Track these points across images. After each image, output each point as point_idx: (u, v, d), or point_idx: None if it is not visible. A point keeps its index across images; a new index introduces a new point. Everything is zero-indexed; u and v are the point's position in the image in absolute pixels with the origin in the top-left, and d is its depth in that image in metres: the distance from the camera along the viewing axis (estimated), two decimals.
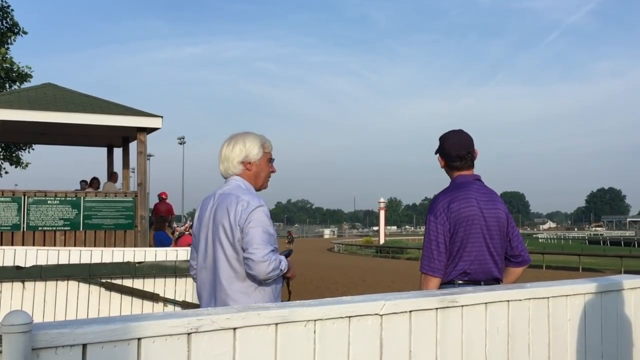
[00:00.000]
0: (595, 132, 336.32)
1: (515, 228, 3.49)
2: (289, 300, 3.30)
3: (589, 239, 76.39)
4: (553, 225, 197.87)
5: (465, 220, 3.22)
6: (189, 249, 8.21)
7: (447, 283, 3.25)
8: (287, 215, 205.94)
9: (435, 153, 3.57)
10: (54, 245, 10.91)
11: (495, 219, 3.32)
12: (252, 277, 3.04)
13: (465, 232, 3.22)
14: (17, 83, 22.78)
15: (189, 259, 3.48)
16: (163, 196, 16.48)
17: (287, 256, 3.29)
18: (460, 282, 3.24)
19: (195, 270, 3.33)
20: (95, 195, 12.20)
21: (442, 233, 3.22)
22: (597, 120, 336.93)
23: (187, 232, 11.46)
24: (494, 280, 3.31)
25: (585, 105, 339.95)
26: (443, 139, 3.51)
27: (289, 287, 3.43)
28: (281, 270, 3.09)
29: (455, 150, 3.43)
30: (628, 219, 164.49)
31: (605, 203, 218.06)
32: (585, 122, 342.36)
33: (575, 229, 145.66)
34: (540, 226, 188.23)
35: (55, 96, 12.54)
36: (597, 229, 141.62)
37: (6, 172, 25.21)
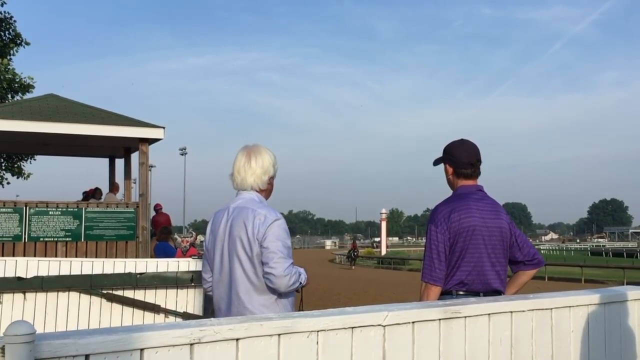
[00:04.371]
0: (598, 142, 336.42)
1: (522, 235, 3.49)
2: (300, 306, 3.34)
3: (591, 250, 76.11)
4: (555, 236, 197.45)
5: (466, 231, 3.22)
6: (190, 259, 8.22)
7: (445, 293, 3.24)
8: (289, 226, 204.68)
9: (437, 163, 3.56)
10: (55, 256, 10.89)
11: (497, 230, 3.31)
12: (272, 290, 3.06)
13: (465, 243, 3.21)
14: (20, 94, 22.85)
15: (201, 271, 3.49)
16: (158, 207, 16.47)
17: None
18: (460, 292, 3.23)
19: (208, 284, 3.34)
20: (97, 206, 12.20)
21: (442, 242, 3.22)
22: (600, 131, 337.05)
23: (187, 246, 11.45)
24: (494, 292, 3.28)
25: (588, 116, 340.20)
26: (451, 147, 3.51)
27: (301, 295, 3.47)
28: (301, 283, 3.12)
29: (467, 157, 3.43)
30: (630, 230, 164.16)
31: (607, 214, 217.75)
32: (588, 132, 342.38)
33: (578, 240, 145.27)
34: (543, 237, 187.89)
35: (57, 107, 12.58)
36: (600, 240, 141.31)
37: (8, 183, 25.26)
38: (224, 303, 3.19)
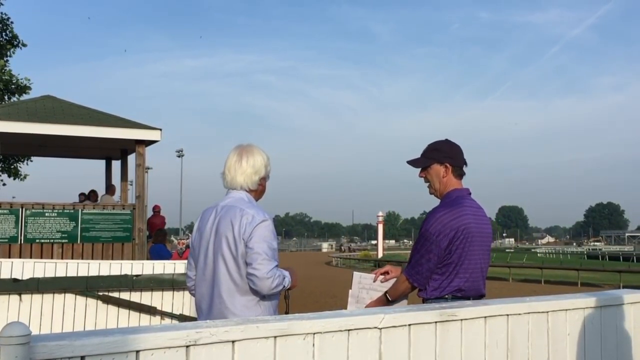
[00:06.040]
0: (595, 146, 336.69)
1: None
2: (286, 312, 3.30)
3: (587, 254, 76.11)
4: (552, 239, 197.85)
5: (465, 237, 3.17)
6: (186, 262, 8.21)
7: (439, 298, 3.19)
8: (285, 228, 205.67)
9: (424, 164, 3.41)
10: (52, 258, 10.87)
11: (487, 235, 3.31)
12: (255, 291, 3.03)
13: (464, 249, 3.17)
14: (16, 95, 22.84)
15: (186, 270, 3.46)
16: (157, 209, 16.43)
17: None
18: (457, 297, 3.19)
19: (192, 282, 3.30)
20: (93, 208, 12.19)
21: (436, 250, 3.16)
22: (597, 135, 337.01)
23: (183, 247, 11.49)
24: (481, 297, 3.28)
25: (585, 120, 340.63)
26: (446, 146, 3.41)
27: (286, 299, 3.41)
28: (284, 286, 3.09)
29: (462, 157, 3.41)
30: (627, 234, 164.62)
31: (604, 218, 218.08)
32: (585, 136, 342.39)
33: (574, 244, 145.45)
34: (539, 240, 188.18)
35: (54, 108, 12.57)
36: (596, 243, 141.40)
37: (4, 184, 25.23)
38: (205, 302, 3.15)
